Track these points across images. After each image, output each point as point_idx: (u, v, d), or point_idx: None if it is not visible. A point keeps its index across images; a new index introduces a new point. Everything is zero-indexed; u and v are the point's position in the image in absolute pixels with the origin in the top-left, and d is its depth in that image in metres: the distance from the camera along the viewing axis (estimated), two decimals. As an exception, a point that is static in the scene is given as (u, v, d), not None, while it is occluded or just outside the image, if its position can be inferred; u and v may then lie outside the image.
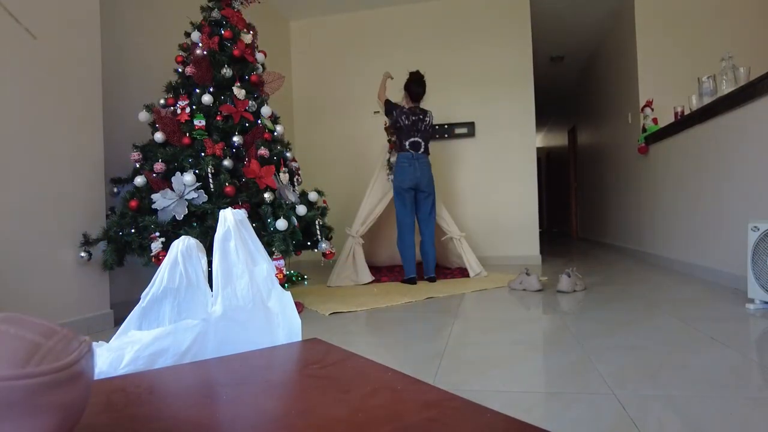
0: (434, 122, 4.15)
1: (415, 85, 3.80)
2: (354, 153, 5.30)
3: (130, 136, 2.72)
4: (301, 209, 2.61)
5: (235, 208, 0.69)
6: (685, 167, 3.74)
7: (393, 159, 4.07)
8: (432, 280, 3.76)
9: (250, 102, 2.65)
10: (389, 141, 4.15)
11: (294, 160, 2.92)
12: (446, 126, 5.00)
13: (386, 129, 4.23)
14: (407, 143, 3.78)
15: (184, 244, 0.70)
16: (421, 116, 3.82)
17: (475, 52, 5.05)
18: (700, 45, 4.39)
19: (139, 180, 2.42)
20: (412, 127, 3.78)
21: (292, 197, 2.66)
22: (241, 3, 2.89)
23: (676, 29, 4.54)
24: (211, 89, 2.62)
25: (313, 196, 2.82)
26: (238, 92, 2.61)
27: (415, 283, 3.64)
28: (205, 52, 2.61)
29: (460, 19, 5.09)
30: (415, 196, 3.82)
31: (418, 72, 3.85)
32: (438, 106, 4.74)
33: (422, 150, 3.81)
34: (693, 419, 1.17)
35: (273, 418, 0.41)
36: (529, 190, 4.94)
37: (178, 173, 2.38)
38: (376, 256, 4.64)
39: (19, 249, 2.04)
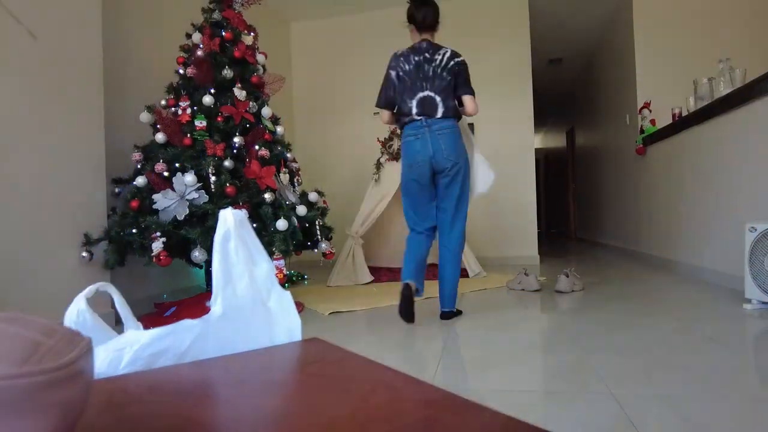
0: (458, 69, 2.45)
1: (416, 8, 2.48)
2: (354, 153, 5.30)
3: (132, 137, 2.72)
4: (301, 209, 2.61)
5: (235, 209, 0.68)
6: (682, 168, 3.74)
7: (383, 159, 4.05)
8: (447, 315, 2.37)
9: (250, 103, 2.65)
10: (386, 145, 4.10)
11: (294, 160, 2.93)
12: (446, 127, 5.00)
13: (383, 142, 4.18)
14: (412, 104, 2.28)
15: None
16: (428, 54, 2.35)
17: (474, 54, 5.02)
18: (698, 47, 4.39)
19: (141, 180, 2.43)
20: (415, 74, 2.32)
21: (292, 198, 2.66)
22: (242, 4, 2.90)
23: (674, 31, 4.55)
24: (212, 90, 2.62)
25: (313, 196, 2.82)
26: (239, 93, 2.61)
27: (411, 297, 2.23)
28: (206, 54, 2.61)
29: (458, 21, 5.10)
30: (436, 183, 2.37)
31: None
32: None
33: (439, 110, 2.30)
34: (691, 419, 1.17)
35: (273, 418, 0.41)
36: (528, 190, 4.94)
37: (179, 174, 2.38)
38: (376, 256, 4.64)
39: (21, 249, 2.05)
